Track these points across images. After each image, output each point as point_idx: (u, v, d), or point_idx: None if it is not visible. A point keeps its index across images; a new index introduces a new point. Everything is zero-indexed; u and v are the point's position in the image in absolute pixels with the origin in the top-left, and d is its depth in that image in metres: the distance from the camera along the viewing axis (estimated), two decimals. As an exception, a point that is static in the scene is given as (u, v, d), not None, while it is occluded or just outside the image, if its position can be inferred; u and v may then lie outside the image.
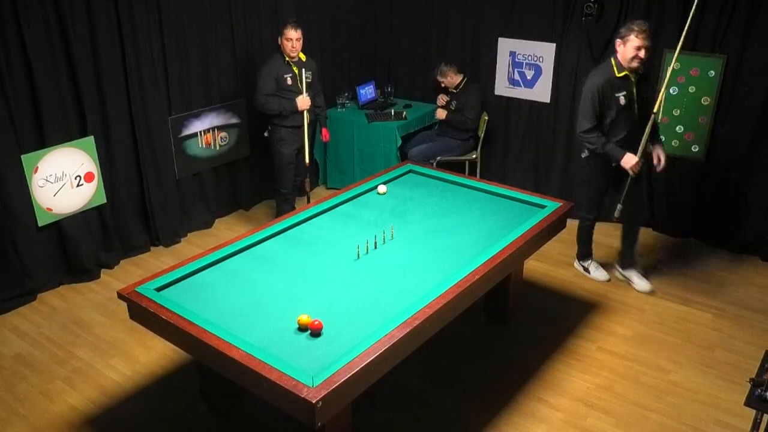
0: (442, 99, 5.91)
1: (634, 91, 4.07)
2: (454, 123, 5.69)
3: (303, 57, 4.92)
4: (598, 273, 4.63)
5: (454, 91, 5.75)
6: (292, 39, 4.71)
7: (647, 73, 4.22)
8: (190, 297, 3.02)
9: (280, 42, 4.78)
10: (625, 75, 4.06)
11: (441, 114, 5.76)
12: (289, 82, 4.81)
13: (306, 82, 4.82)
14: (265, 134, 5.04)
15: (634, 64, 3.98)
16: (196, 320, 2.77)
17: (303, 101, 4.79)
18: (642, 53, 3.95)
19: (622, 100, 4.04)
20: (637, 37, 3.93)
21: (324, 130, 5.30)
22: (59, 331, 4.07)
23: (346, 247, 3.48)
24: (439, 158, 5.66)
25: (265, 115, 4.90)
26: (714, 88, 4.75)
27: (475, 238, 3.60)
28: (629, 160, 4.06)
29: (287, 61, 4.80)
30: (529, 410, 3.39)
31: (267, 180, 5.86)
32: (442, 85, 5.79)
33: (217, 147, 5.35)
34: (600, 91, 4.03)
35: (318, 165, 6.22)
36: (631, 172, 4.09)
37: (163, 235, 5.06)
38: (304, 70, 4.79)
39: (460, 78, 5.71)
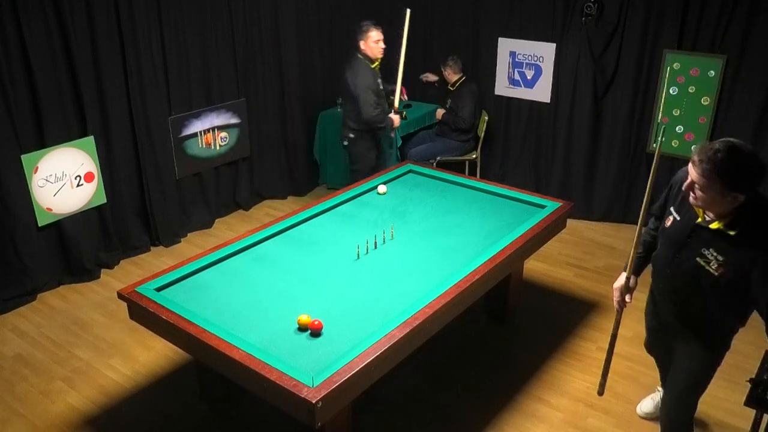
0: (428, 76, 5.97)
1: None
2: (449, 123, 5.71)
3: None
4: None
5: (451, 89, 5.76)
6: (381, 39, 4.65)
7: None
8: (190, 297, 3.02)
9: (363, 46, 4.70)
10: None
11: (440, 113, 5.79)
12: (381, 86, 4.77)
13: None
14: (345, 143, 4.95)
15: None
16: (196, 320, 2.77)
17: (396, 119, 4.82)
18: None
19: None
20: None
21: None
22: (59, 331, 4.07)
23: (346, 247, 3.48)
24: (438, 158, 5.67)
25: (352, 125, 4.82)
26: (714, 88, 4.75)
27: (475, 238, 3.60)
28: None
29: (374, 65, 4.74)
30: (529, 410, 3.39)
31: (267, 180, 5.88)
32: (447, 82, 5.81)
33: (217, 147, 5.35)
34: None
35: (318, 165, 6.23)
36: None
37: (163, 235, 5.06)
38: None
39: (458, 77, 5.71)
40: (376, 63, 4.77)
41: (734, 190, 2.21)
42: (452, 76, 5.71)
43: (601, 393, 3.01)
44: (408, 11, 4.68)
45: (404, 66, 4.75)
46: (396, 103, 4.83)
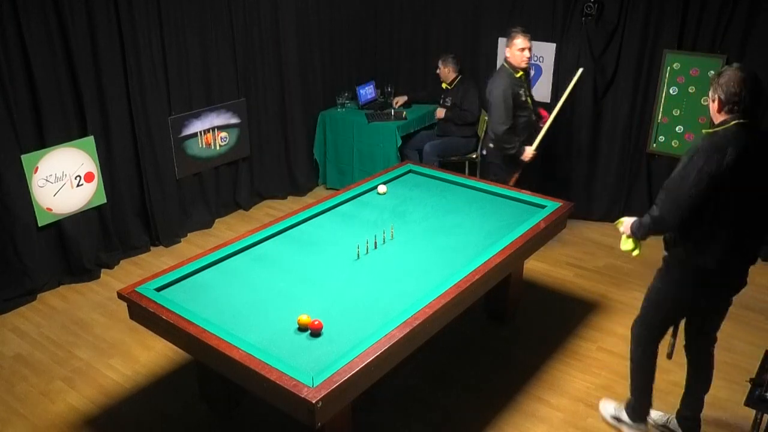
0: (397, 102, 6.06)
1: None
2: (454, 119, 5.66)
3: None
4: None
5: (449, 87, 5.73)
6: (527, 47, 4.40)
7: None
8: (190, 297, 3.02)
9: (508, 53, 4.47)
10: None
11: (440, 113, 5.75)
12: (523, 98, 4.51)
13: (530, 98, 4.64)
14: (484, 152, 4.71)
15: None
16: (196, 320, 2.77)
17: (529, 154, 4.55)
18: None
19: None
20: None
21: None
22: (59, 331, 4.07)
23: (346, 247, 3.48)
24: (441, 160, 5.64)
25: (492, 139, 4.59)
26: (714, 88, 4.75)
27: (475, 238, 3.60)
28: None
29: (517, 74, 4.48)
30: (529, 410, 3.39)
31: (267, 180, 5.88)
32: (439, 75, 5.76)
33: (217, 147, 5.35)
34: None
35: (318, 165, 6.23)
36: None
37: (163, 235, 5.06)
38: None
39: (455, 75, 5.68)
40: (520, 73, 4.49)
41: None
42: (451, 74, 5.69)
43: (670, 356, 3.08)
44: (580, 71, 4.59)
45: (554, 118, 4.61)
46: (536, 142, 4.57)
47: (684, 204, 2.57)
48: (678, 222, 2.62)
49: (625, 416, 3.20)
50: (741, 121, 2.57)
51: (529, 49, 4.42)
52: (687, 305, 2.88)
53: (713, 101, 2.65)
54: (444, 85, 5.77)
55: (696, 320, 2.96)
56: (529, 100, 4.61)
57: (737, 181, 2.54)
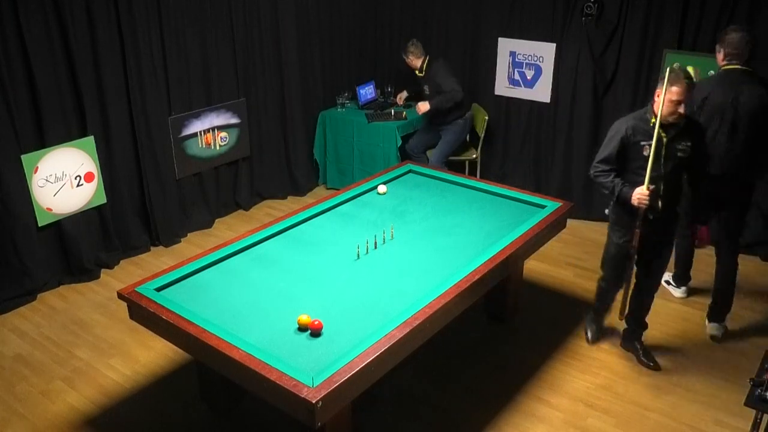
0: (400, 98, 5.91)
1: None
2: (441, 105, 5.38)
3: None
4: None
5: (420, 74, 5.56)
6: (680, 100, 3.16)
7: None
8: (190, 297, 3.02)
9: (656, 95, 3.26)
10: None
11: (424, 106, 5.45)
12: (646, 153, 3.27)
13: None
14: (606, 211, 3.68)
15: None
16: (196, 320, 2.77)
17: (641, 198, 3.26)
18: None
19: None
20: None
21: None
22: (59, 331, 4.07)
23: (346, 247, 3.48)
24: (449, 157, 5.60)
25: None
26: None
27: (475, 238, 3.60)
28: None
29: (652, 121, 3.27)
30: (529, 410, 3.39)
31: (267, 180, 5.88)
32: (413, 69, 5.59)
33: (217, 147, 5.35)
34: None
35: (318, 165, 6.23)
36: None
37: (163, 235, 5.06)
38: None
39: (422, 59, 5.51)
40: (653, 120, 3.26)
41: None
42: (416, 61, 5.51)
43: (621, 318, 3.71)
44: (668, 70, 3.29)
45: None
46: (647, 176, 3.25)
47: None
48: None
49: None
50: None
51: (683, 103, 3.18)
52: None
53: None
54: (418, 74, 5.61)
55: None
56: (658, 163, 3.28)
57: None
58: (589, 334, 3.95)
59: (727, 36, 3.71)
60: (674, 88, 3.15)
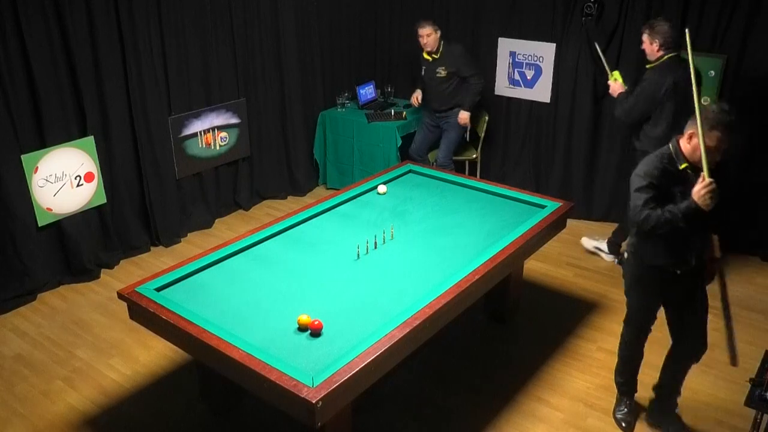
0: (416, 99, 5.68)
1: None
2: (474, 103, 5.31)
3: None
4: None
5: (434, 57, 5.32)
6: (716, 146, 2.73)
7: None
8: (190, 297, 3.02)
9: (687, 143, 2.84)
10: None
11: (466, 116, 5.35)
12: (677, 202, 2.85)
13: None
14: (625, 254, 3.20)
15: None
16: (196, 320, 2.77)
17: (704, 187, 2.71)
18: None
19: None
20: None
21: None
22: (59, 331, 4.07)
23: (346, 247, 3.48)
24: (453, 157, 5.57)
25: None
26: (714, 88, 4.75)
27: (475, 238, 3.60)
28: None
29: (683, 167, 2.86)
30: (529, 410, 3.39)
31: (267, 180, 5.88)
32: (425, 48, 5.29)
33: (217, 147, 5.35)
34: None
35: (318, 165, 6.23)
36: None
37: (163, 235, 5.06)
38: None
39: (440, 42, 5.32)
40: (684, 165, 2.85)
41: None
42: (435, 42, 5.24)
43: (734, 364, 3.45)
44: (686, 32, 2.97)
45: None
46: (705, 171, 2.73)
47: None
48: None
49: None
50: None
51: (719, 150, 2.77)
52: None
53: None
54: (428, 57, 5.36)
55: None
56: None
57: None
58: (624, 425, 3.29)
59: (657, 27, 4.08)
60: (715, 133, 2.70)
